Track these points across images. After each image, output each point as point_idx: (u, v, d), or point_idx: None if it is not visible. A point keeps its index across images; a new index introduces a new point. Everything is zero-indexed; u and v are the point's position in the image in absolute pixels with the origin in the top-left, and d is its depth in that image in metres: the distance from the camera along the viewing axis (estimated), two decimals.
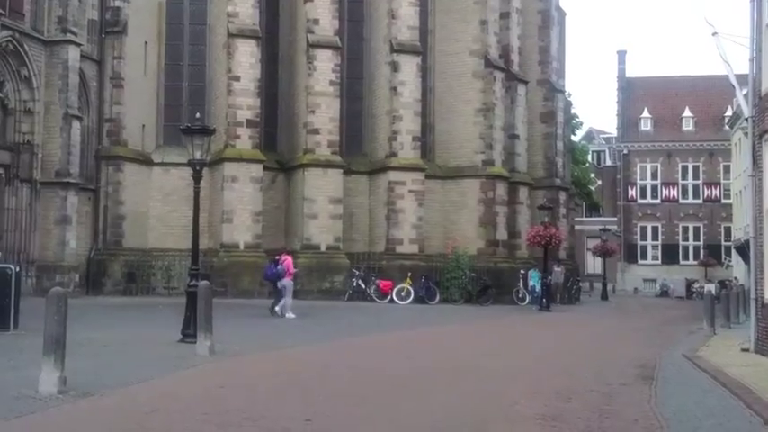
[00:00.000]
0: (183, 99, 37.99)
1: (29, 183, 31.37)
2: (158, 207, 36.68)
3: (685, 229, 70.43)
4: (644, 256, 71.17)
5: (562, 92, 48.68)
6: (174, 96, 38.07)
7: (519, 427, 9.23)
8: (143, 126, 36.92)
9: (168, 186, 36.52)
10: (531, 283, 38.66)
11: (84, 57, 33.50)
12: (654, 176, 71.03)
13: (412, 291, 35.12)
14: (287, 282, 25.70)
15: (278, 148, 39.13)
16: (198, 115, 19.55)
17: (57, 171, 31.70)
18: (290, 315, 25.02)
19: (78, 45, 32.51)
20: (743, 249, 41.98)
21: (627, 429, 9.29)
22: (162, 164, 36.83)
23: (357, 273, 35.58)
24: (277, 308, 25.28)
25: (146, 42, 36.98)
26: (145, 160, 36.78)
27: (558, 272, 41.19)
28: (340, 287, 34.87)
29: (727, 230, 64.63)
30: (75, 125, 32.21)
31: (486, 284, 36.92)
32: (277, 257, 26.91)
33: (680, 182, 70.42)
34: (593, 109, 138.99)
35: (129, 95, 36.00)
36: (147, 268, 35.46)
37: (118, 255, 35.39)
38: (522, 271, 39.04)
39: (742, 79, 19.73)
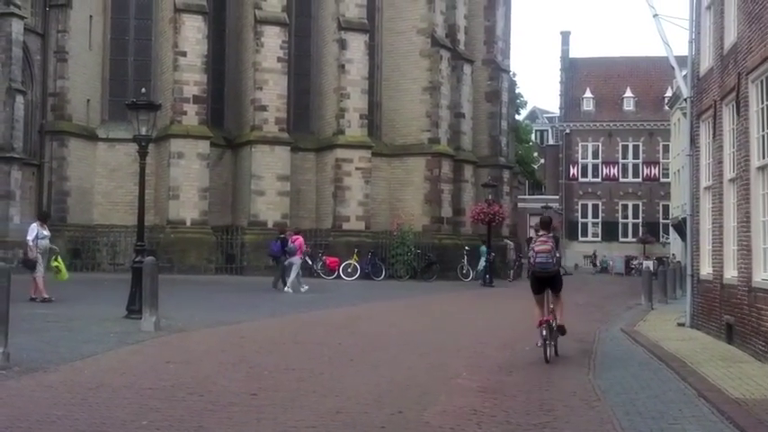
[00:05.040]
0: (129, 74, 37.65)
1: None
2: (103, 183, 36.45)
3: (625, 207, 71.62)
4: (584, 234, 72.20)
5: (507, 71, 48.98)
6: (120, 71, 37.72)
7: (461, 399, 9.39)
8: (88, 101, 36.54)
9: (113, 162, 36.29)
10: (482, 258, 38.96)
11: (27, 30, 33.02)
12: (595, 155, 72.02)
13: (358, 267, 35.37)
14: (296, 260, 26.76)
15: (225, 124, 38.96)
16: (143, 90, 19.47)
17: (0, 146, 31.26)
18: (287, 290, 26.11)
19: (22, 18, 32.05)
20: (680, 227, 42.79)
21: (565, 401, 9.47)
22: (107, 139, 36.54)
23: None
24: (287, 287, 26.20)
25: (91, 16, 36.54)
26: (90, 135, 36.43)
27: (510, 249, 41.85)
28: None
29: (666, 208, 65.76)
30: (19, 99, 31.80)
31: (431, 261, 37.28)
32: (282, 235, 27.98)
33: (620, 161, 71.50)
34: (537, 89, 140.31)
35: (74, 70, 35.59)
36: (92, 244, 35.24)
37: (62, 231, 34.92)
38: (466, 247, 39.39)
39: (682, 61, 20.08)
